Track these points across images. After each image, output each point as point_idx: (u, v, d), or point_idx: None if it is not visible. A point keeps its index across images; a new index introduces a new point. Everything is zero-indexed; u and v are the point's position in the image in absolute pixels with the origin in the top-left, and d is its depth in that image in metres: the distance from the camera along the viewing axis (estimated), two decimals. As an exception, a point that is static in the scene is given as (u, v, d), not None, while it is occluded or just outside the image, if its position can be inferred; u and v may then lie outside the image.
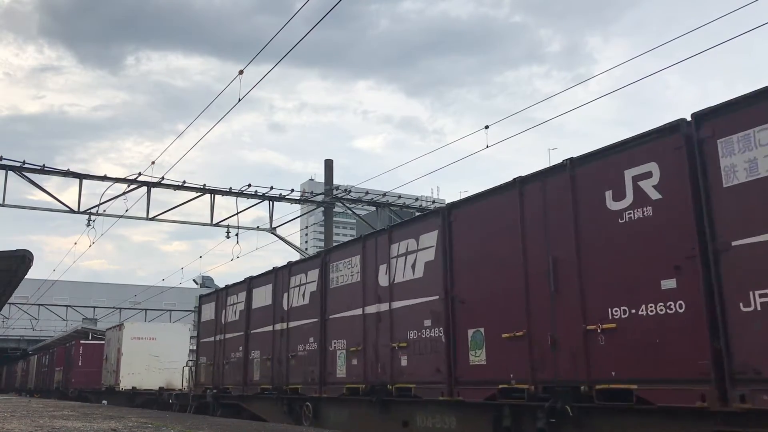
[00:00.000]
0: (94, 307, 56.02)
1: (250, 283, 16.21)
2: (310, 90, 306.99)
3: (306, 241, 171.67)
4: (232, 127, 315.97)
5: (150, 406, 24.12)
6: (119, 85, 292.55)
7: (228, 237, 25.21)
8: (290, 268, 14.32)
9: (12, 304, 44.99)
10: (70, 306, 53.55)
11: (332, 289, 12.44)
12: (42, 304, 50.61)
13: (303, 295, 13.52)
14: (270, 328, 14.61)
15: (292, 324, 13.75)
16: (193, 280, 76.16)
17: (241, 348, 16.05)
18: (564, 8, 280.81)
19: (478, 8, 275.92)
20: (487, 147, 18.43)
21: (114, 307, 55.00)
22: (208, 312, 18.70)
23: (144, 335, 27.05)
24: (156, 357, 26.53)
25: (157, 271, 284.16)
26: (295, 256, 24.43)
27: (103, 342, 33.62)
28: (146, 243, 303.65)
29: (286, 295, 14.18)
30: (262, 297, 15.39)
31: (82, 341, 35.41)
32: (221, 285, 18.97)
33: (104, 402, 28.86)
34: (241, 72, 15.38)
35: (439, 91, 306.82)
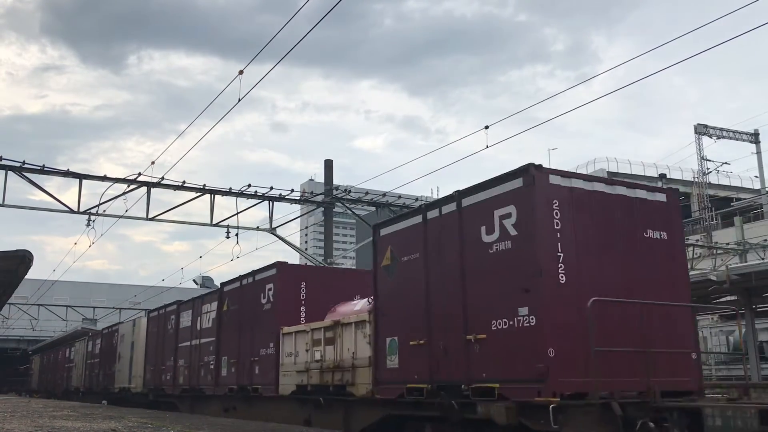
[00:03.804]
0: (94, 307, 56.04)
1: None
2: (312, 89, 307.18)
3: (306, 242, 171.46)
4: (234, 126, 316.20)
5: None
6: (121, 84, 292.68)
7: (228, 237, 25.23)
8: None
9: (12, 304, 44.99)
10: (69, 306, 53.56)
11: None
12: (42, 305, 50.60)
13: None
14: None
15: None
16: (193, 281, 76.07)
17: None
18: (569, 7, 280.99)
19: (483, 7, 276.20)
20: (487, 147, 18.56)
21: (114, 307, 54.99)
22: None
23: None
24: None
25: (158, 271, 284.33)
26: (295, 256, 24.39)
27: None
28: (147, 243, 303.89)
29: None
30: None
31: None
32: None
33: (104, 402, 28.64)
34: (241, 72, 15.41)
35: (442, 90, 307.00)
